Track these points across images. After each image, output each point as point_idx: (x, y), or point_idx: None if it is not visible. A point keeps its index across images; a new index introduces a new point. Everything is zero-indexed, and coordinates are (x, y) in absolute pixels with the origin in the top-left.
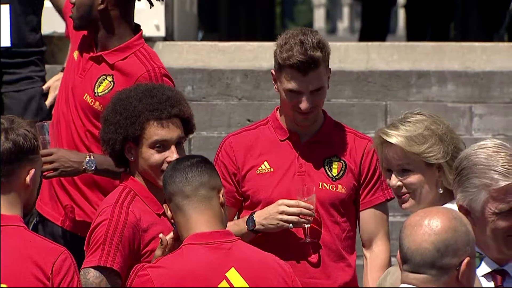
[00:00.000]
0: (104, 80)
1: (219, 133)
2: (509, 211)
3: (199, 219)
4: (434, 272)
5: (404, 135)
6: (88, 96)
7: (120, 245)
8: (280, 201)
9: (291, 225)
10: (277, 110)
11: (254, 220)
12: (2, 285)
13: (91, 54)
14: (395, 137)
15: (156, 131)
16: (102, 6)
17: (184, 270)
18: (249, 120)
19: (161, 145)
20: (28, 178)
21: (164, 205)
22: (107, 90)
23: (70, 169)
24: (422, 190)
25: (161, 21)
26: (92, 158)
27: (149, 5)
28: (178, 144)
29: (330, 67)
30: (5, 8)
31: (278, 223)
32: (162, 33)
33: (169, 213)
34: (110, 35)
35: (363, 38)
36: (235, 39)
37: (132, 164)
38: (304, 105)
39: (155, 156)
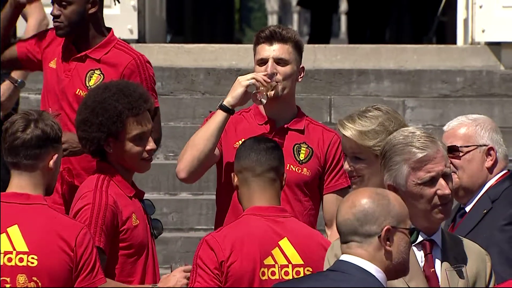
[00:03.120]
0: (93, 74)
1: (184, 123)
2: (430, 181)
3: (261, 196)
4: (358, 239)
5: (358, 129)
6: (81, 91)
7: (103, 226)
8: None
9: (252, 83)
10: None
11: (221, 101)
12: (32, 255)
13: (73, 56)
14: (349, 130)
15: (136, 126)
16: (93, 10)
17: (243, 233)
18: (210, 112)
19: (140, 138)
20: (51, 162)
21: (232, 174)
22: (99, 82)
23: (77, 149)
24: (369, 176)
25: (134, 25)
26: None
27: (117, 3)
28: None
29: None
30: None
31: (239, 87)
32: (135, 36)
33: (235, 181)
34: (95, 34)
35: (311, 41)
36: (199, 41)
37: (110, 155)
38: (269, 69)
39: (136, 148)
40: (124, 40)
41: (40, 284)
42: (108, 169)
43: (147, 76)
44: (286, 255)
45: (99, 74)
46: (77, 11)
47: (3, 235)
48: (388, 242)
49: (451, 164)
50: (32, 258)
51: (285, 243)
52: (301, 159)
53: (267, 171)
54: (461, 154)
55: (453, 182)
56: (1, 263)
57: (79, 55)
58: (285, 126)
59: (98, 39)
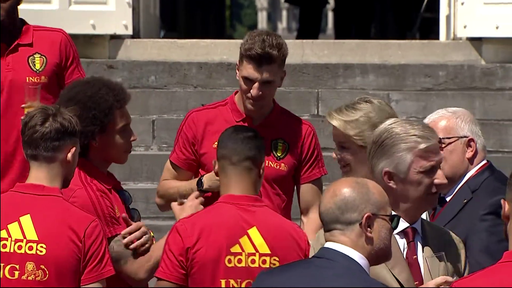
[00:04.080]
0: (34, 59)
1: (178, 115)
2: (431, 169)
3: (237, 184)
4: (340, 226)
5: (343, 119)
6: (30, 78)
7: (108, 214)
8: None
9: None
10: (235, 95)
11: (202, 182)
12: (41, 244)
13: (4, 50)
14: (335, 120)
15: (121, 118)
16: (21, 2)
17: (212, 221)
18: (203, 105)
19: (125, 129)
20: (69, 155)
21: (214, 161)
22: (44, 64)
23: None
24: (355, 165)
25: (129, 21)
26: None
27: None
28: None
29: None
30: None
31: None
32: (130, 31)
33: (216, 168)
34: (17, 25)
35: (299, 37)
36: (191, 37)
37: (94, 149)
38: (254, 92)
39: (122, 140)
40: (119, 35)
41: (47, 272)
42: (85, 164)
43: (76, 48)
44: (254, 244)
45: (40, 57)
46: (13, 5)
47: (15, 224)
48: (369, 229)
49: None
50: (41, 246)
51: (253, 232)
52: (279, 155)
53: (243, 160)
54: (443, 145)
55: None
56: (12, 251)
57: (11, 47)
58: (263, 123)
59: (19, 28)
